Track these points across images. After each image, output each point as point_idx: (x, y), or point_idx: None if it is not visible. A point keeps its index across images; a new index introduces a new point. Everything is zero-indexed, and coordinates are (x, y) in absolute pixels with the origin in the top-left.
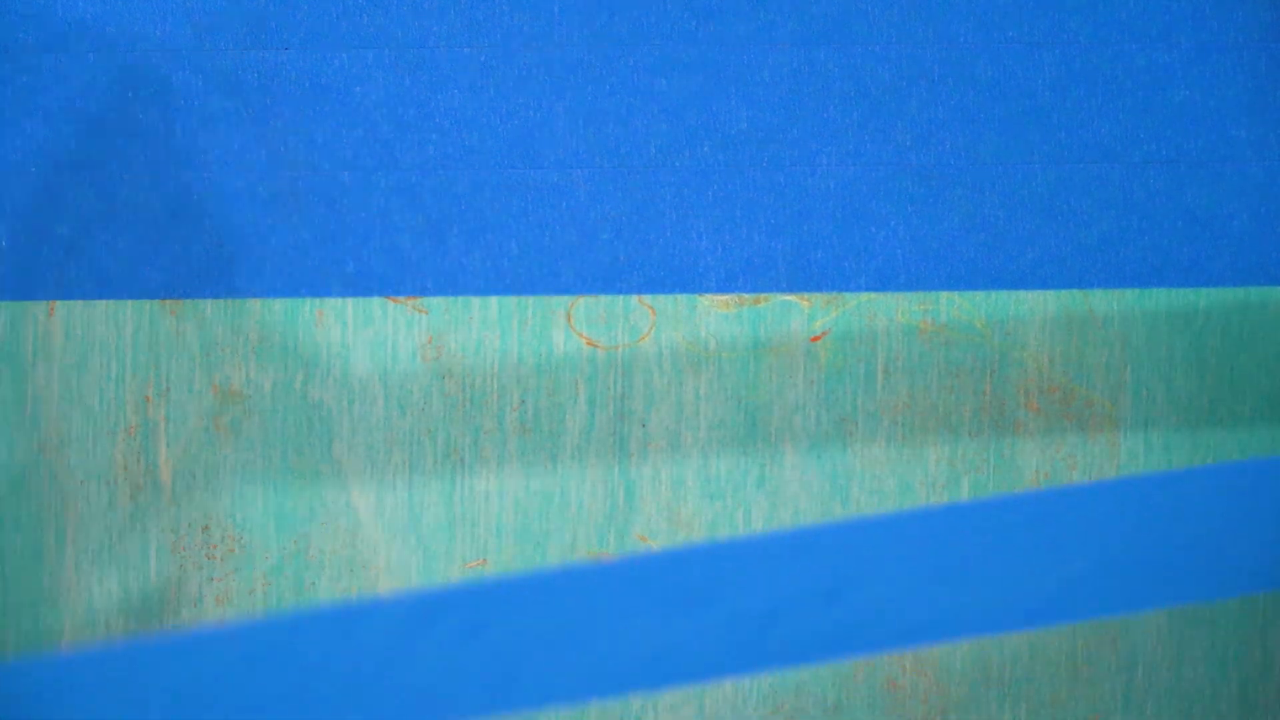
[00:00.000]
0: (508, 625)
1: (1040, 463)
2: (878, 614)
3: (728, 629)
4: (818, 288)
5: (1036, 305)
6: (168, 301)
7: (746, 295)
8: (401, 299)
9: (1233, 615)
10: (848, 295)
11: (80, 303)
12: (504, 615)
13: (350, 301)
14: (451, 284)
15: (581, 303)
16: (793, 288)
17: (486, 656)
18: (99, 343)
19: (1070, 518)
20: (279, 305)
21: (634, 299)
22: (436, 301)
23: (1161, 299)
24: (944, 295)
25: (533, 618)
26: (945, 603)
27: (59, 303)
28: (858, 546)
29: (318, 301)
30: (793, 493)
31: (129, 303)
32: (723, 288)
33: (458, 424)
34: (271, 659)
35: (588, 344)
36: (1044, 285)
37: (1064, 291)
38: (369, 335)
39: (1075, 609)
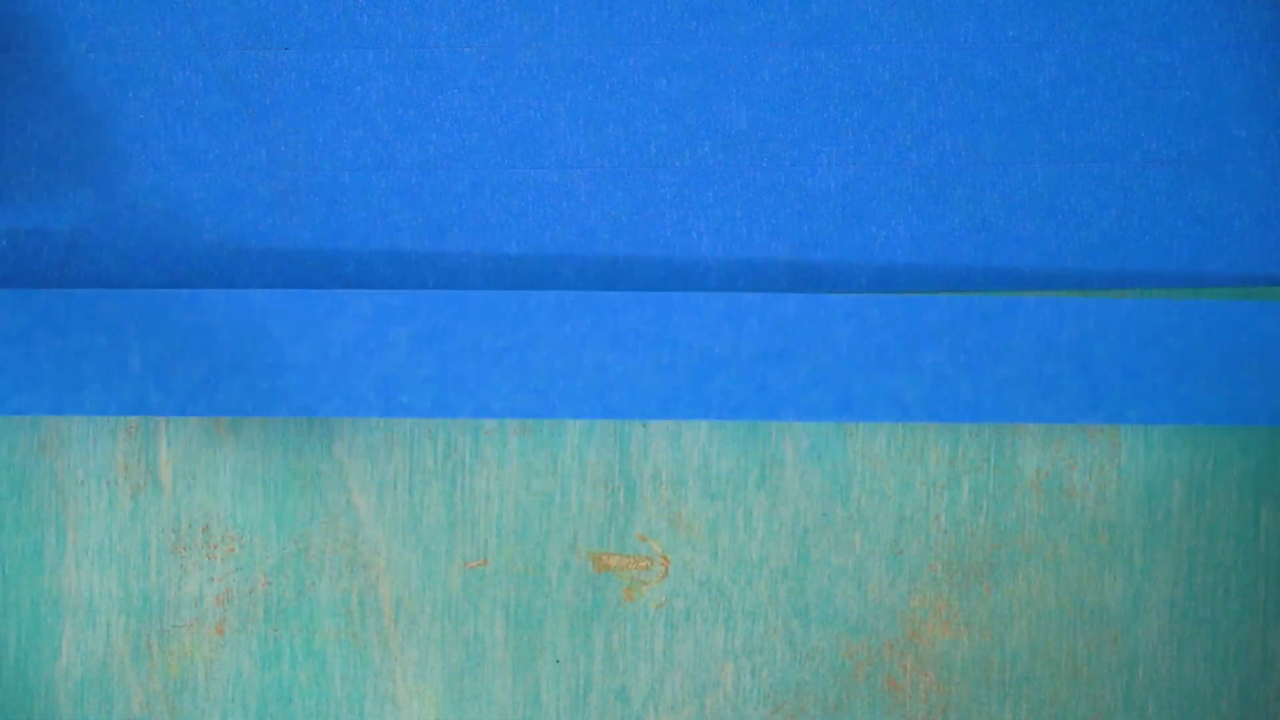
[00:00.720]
0: (462, 337)
1: (1040, 462)
2: (816, 385)
3: (667, 372)
4: (818, 287)
5: None
6: None
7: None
8: None
9: (1233, 615)
10: None
11: None
12: (461, 327)
13: None
14: (451, 284)
15: None
16: (793, 288)
17: (438, 362)
18: None
19: (1024, 328)
20: None
21: None
22: None
23: (1162, 299)
24: (944, 295)
25: (486, 334)
26: (882, 387)
27: None
28: (817, 321)
29: None
30: (793, 493)
31: None
32: (723, 287)
33: (458, 424)
34: (245, 327)
35: None
36: (1044, 285)
37: (1064, 291)
38: None
39: (996, 412)
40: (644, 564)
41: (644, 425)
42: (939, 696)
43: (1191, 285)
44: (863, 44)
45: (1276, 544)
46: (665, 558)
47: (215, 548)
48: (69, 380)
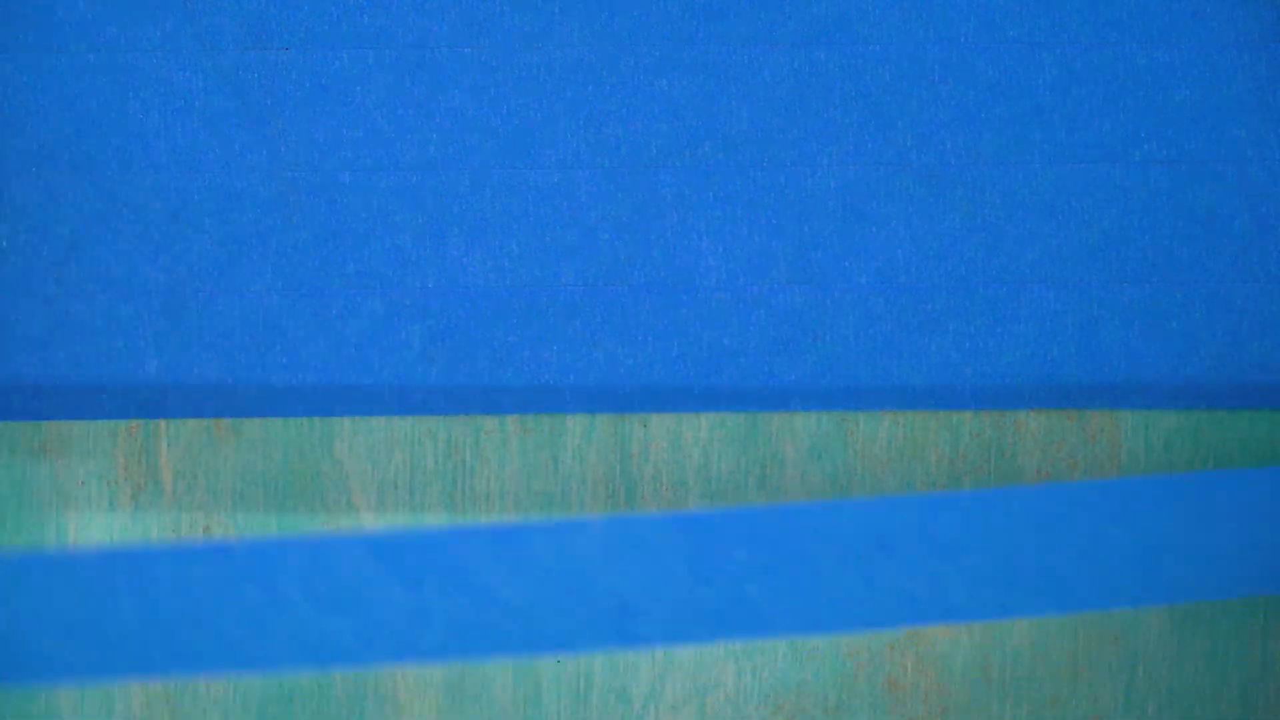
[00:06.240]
0: (474, 334)
1: (1040, 462)
2: (822, 375)
3: (675, 365)
4: (818, 287)
5: None
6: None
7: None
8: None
9: (1233, 616)
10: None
11: None
12: (472, 324)
13: None
14: (451, 284)
15: None
16: (793, 287)
17: (450, 359)
18: None
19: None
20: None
21: None
22: None
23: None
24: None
25: (497, 331)
26: (887, 376)
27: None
28: (822, 312)
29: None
30: (793, 493)
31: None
32: (723, 287)
33: (458, 424)
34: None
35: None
36: (1044, 285)
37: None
38: None
39: (1000, 399)
40: None
41: (644, 425)
42: (939, 696)
43: (1191, 286)
44: (863, 44)
45: None
46: None
47: None
48: (86, 385)
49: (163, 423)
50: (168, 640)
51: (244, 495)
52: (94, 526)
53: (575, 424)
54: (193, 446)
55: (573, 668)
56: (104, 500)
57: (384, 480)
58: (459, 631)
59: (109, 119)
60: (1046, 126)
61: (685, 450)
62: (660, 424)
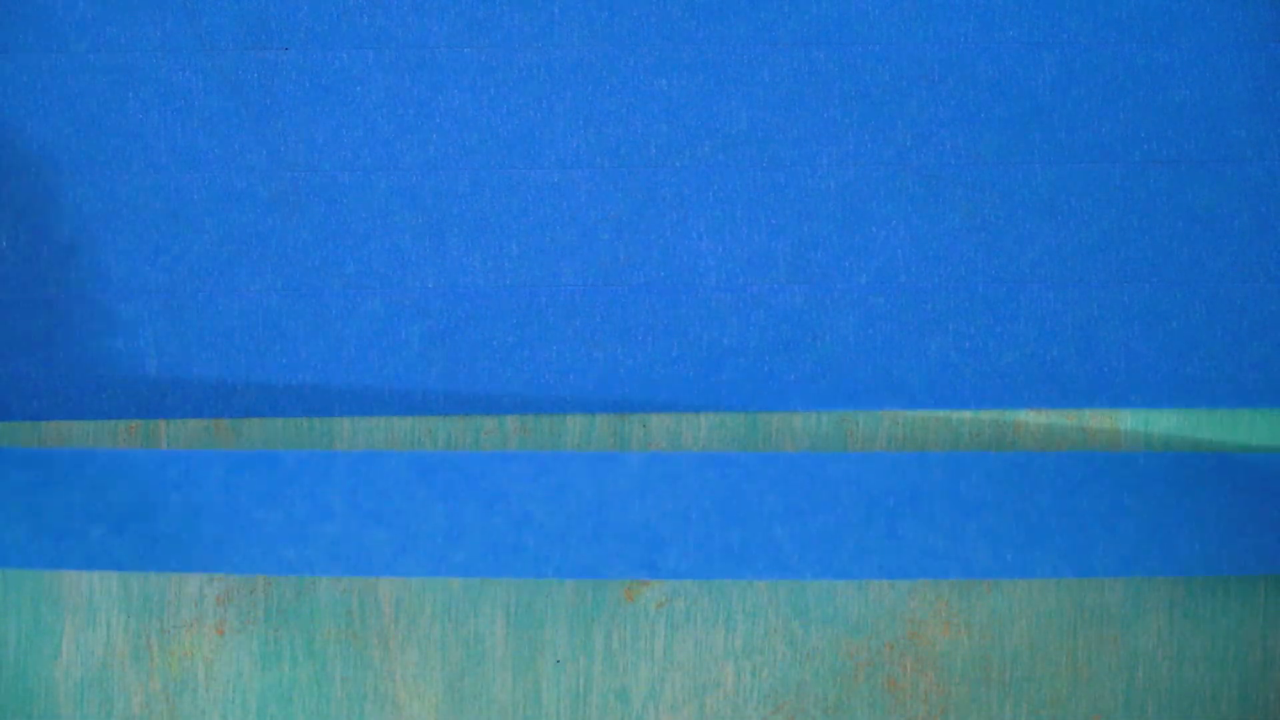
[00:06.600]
0: (473, 334)
1: None
2: (823, 375)
3: (675, 365)
4: (818, 286)
5: None
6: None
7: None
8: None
9: (1233, 615)
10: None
11: None
12: (471, 325)
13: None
14: (451, 284)
15: None
16: (793, 287)
17: (450, 360)
18: None
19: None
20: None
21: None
22: None
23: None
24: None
25: (497, 331)
26: (887, 375)
27: None
28: (823, 311)
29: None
30: None
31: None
32: (723, 287)
33: (458, 424)
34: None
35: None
36: (1044, 285)
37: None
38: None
39: (1000, 398)
40: None
41: (644, 425)
42: (939, 696)
43: (1191, 285)
44: (863, 44)
45: None
46: None
47: None
48: (86, 385)
49: (163, 423)
50: (212, 539)
51: None
52: None
53: (575, 424)
54: (192, 446)
55: (573, 668)
56: None
57: None
58: (493, 550)
59: (109, 119)
60: (1046, 126)
61: (685, 450)
62: (660, 424)
